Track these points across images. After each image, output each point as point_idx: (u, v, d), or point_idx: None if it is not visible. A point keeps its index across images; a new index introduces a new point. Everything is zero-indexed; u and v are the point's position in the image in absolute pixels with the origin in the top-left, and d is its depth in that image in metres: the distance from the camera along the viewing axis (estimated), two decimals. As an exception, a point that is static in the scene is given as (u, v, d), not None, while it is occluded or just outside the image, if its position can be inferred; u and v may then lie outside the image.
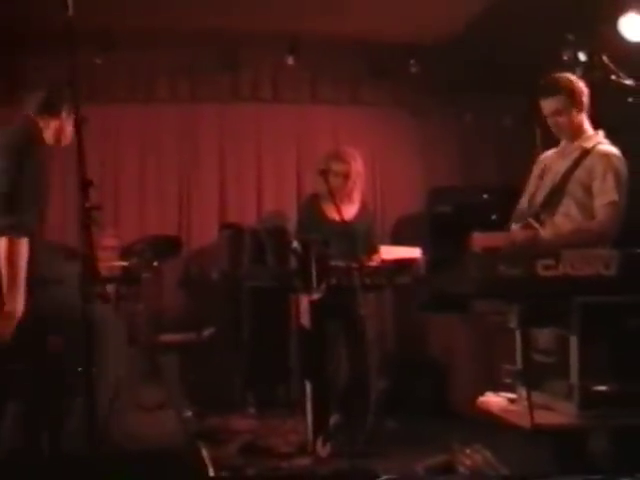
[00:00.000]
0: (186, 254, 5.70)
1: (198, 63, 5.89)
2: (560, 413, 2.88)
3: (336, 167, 4.43)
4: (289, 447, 4.07)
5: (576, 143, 3.39)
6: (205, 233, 5.94)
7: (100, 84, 5.62)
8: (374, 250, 4.37)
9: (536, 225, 3.25)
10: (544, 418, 2.83)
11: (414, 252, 4.15)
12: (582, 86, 3.40)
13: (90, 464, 2.44)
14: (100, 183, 5.49)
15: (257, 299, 5.25)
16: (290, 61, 5.79)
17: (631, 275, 2.74)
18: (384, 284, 4.18)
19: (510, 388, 3.20)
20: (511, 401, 3.19)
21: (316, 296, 3.97)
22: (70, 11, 2.49)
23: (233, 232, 5.53)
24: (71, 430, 2.89)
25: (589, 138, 3.39)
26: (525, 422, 2.79)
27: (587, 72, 4.03)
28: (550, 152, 3.57)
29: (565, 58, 4.36)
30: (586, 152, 3.33)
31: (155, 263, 4.57)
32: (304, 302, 4.08)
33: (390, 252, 4.31)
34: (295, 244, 4.16)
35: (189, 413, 4.20)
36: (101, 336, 2.84)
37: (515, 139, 5.76)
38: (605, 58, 3.99)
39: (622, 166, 3.28)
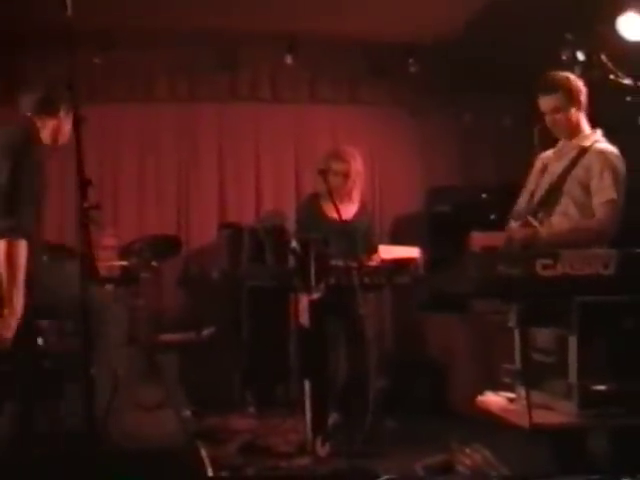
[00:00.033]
0: (185, 253, 5.70)
1: (197, 63, 5.88)
2: (559, 412, 2.88)
3: (336, 166, 4.43)
4: (288, 447, 4.06)
5: (574, 142, 3.39)
6: (204, 232, 5.94)
7: (99, 84, 5.62)
8: (373, 249, 4.38)
9: (535, 223, 3.25)
10: (543, 417, 2.83)
11: (413, 252, 4.16)
12: (580, 85, 3.40)
13: (89, 463, 2.44)
14: (99, 183, 5.49)
15: (256, 298, 5.25)
16: (289, 60, 5.78)
17: (630, 275, 2.74)
18: (383, 284, 4.18)
19: (509, 387, 3.20)
20: (510, 400, 3.19)
21: (315, 295, 3.97)
22: (69, 11, 2.49)
23: (232, 231, 5.53)
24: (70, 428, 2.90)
25: (587, 137, 3.39)
26: (524, 421, 2.79)
27: (586, 71, 4.03)
28: (549, 152, 3.57)
29: (564, 57, 4.36)
30: (584, 150, 3.33)
31: (154, 263, 4.58)
32: (303, 301, 4.08)
33: (389, 252, 4.31)
34: (294, 243, 4.16)
35: (188, 412, 4.20)
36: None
37: (514, 139, 5.76)
38: (604, 57, 4.00)
39: (620, 164, 3.28)
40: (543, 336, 3.09)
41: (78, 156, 2.44)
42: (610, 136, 3.41)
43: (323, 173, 4.27)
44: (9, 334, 2.83)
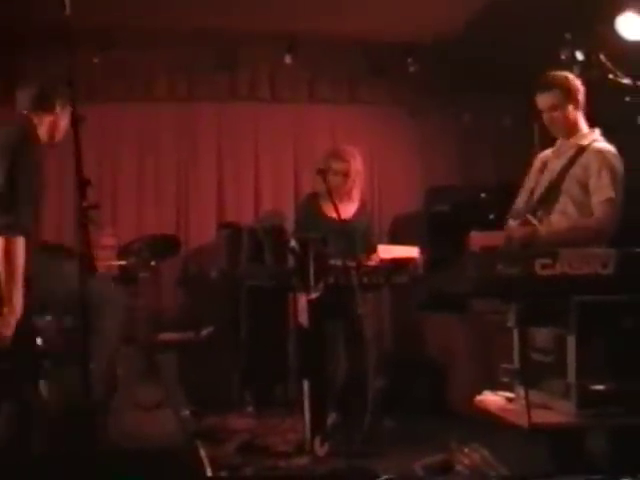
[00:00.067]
0: (184, 253, 5.70)
1: (196, 62, 5.88)
2: (558, 412, 2.88)
3: (336, 165, 4.43)
4: (287, 446, 4.06)
5: (572, 141, 3.40)
6: (203, 232, 5.94)
7: (98, 83, 5.62)
8: (373, 249, 4.38)
9: (534, 221, 3.25)
10: (542, 417, 2.83)
11: (412, 251, 4.15)
12: (578, 83, 3.41)
13: (88, 462, 2.44)
14: (98, 182, 5.50)
15: (255, 298, 5.25)
16: (288, 60, 5.78)
17: (629, 274, 2.74)
18: (382, 283, 4.17)
19: (508, 387, 3.20)
20: (509, 400, 3.19)
21: (314, 295, 3.97)
22: (67, 10, 2.49)
23: (231, 231, 5.53)
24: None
25: (585, 136, 3.39)
26: (523, 421, 2.79)
27: (585, 71, 4.03)
28: (547, 151, 3.57)
29: (563, 57, 4.36)
30: (582, 149, 3.33)
31: (153, 262, 4.56)
32: (302, 301, 4.08)
33: (388, 251, 4.31)
34: (293, 243, 4.16)
35: (187, 412, 4.20)
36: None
37: (513, 139, 5.76)
38: (603, 57, 4.00)
39: (618, 163, 3.28)
40: (542, 336, 3.09)
41: (77, 156, 2.44)
42: (609, 136, 3.41)
43: (322, 173, 4.27)
44: (8, 332, 2.83)
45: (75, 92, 2.56)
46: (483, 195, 5.03)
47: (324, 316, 4.14)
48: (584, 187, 3.27)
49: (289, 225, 4.84)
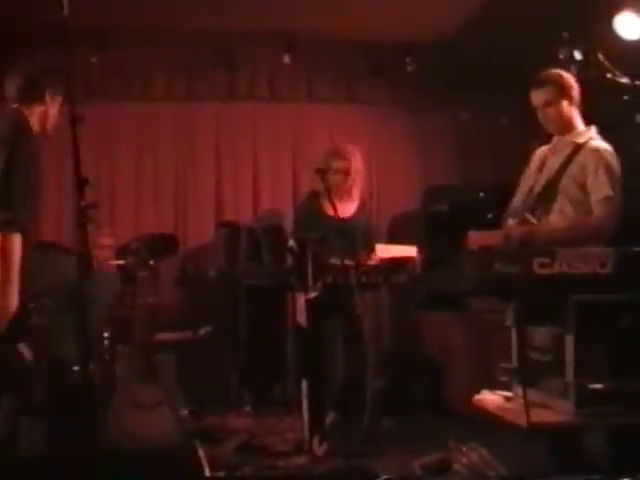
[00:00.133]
0: (182, 252, 5.69)
1: (195, 62, 5.88)
2: (556, 411, 2.88)
3: (336, 164, 4.44)
4: (285, 446, 4.07)
5: (568, 138, 3.39)
6: (201, 231, 5.94)
7: (97, 82, 5.62)
8: (371, 248, 4.38)
9: (533, 220, 3.25)
10: (540, 416, 2.83)
11: (410, 250, 4.15)
12: (572, 80, 3.42)
13: (88, 462, 2.44)
14: (96, 181, 5.49)
15: (253, 297, 5.26)
16: (287, 60, 5.78)
17: (627, 273, 2.74)
18: (380, 282, 4.17)
19: (506, 386, 3.20)
20: (507, 399, 3.19)
21: (312, 294, 3.97)
22: (65, 10, 2.49)
23: (229, 230, 5.53)
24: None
25: (581, 133, 3.38)
26: (521, 420, 2.79)
27: (582, 70, 4.03)
28: (544, 147, 3.57)
29: (561, 57, 4.36)
30: (578, 148, 3.33)
31: (151, 262, 4.56)
32: (300, 300, 4.08)
33: (386, 250, 4.31)
34: (291, 242, 4.16)
35: (186, 412, 4.20)
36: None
37: (511, 138, 5.76)
38: (600, 56, 4.00)
39: (614, 161, 3.28)
40: (540, 334, 3.09)
41: (75, 155, 2.43)
42: (607, 134, 3.41)
43: (321, 172, 4.26)
44: (2, 326, 2.81)
45: (69, 86, 2.55)
46: (481, 194, 5.04)
47: (322, 315, 4.15)
48: (581, 186, 3.27)
49: (288, 224, 4.84)
